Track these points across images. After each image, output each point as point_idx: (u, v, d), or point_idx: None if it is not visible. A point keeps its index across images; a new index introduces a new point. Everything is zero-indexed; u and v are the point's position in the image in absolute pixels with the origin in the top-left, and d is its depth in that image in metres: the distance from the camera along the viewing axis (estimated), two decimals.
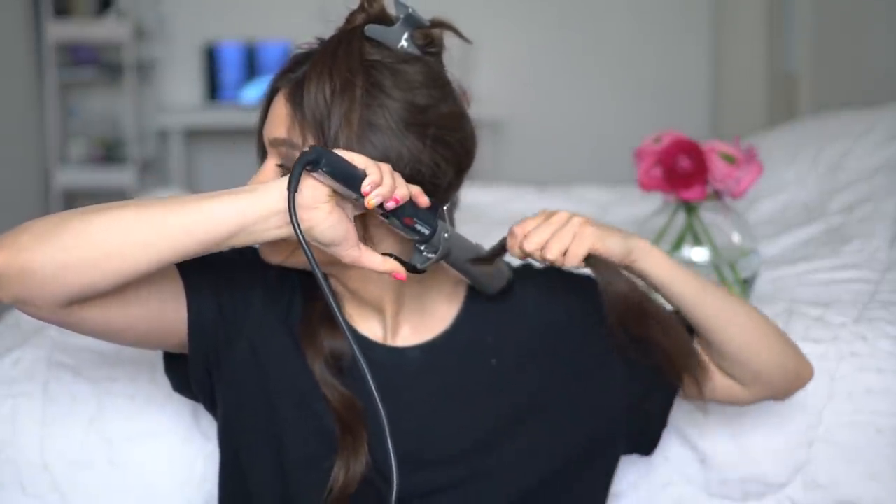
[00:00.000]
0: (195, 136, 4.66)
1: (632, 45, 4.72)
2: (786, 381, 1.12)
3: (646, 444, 1.15)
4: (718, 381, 1.11)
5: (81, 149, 4.48)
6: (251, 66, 4.59)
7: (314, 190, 0.88)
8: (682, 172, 1.49)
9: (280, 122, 0.99)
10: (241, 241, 0.90)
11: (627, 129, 3.89)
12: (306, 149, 0.87)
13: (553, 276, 1.13)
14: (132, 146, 4.47)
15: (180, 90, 4.69)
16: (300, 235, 0.86)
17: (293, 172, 0.86)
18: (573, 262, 1.00)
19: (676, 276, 1.04)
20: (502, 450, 1.05)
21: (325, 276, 1.06)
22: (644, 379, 1.10)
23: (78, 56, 4.46)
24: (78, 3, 4.41)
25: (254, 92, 4.58)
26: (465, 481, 1.04)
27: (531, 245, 0.99)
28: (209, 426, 1.24)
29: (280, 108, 0.99)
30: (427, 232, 0.96)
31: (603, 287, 1.02)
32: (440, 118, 0.99)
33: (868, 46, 3.38)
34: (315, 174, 0.87)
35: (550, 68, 4.73)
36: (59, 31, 4.27)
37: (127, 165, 4.44)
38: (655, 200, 1.70)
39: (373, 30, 0.99)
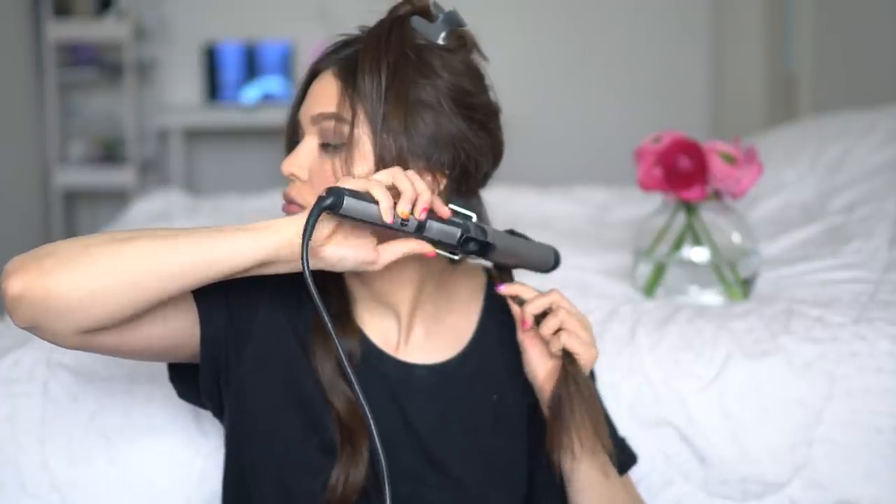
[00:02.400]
0: (195, 136, 4.66)
1: (632, 44, 4.72)
2: None
3: None
4: None
5: (81, 149, 4.48)
6: (251, 66, 4.59)
7: (317, 231, 0.90)
8: (682, 172, 1.49)
9: (328, 99, 0.99)
10: (264, 271, 0.91)
11: (627, 129, 3.89)
12: (323, 193, 0.87)
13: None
14: (132, 146, 4.47)
15: (180, 90, 4.69)
16: (308, 278, 0.86)
17: (309, 219, 0.86)
18: (556, 346, 1.02)
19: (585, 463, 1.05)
20: (495, 489, 1.05)
21: (341, 279, 1.07)
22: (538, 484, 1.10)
23: (78, 56, 4.46)
24: (78, 3, 4.41)
25: (254, 92, 4.58)
26: None
27: (568, 321, 1.02)
28: (209, 425, 1.24)
29: (327, 85, 1.00)
30: (461, 221, 0.96)
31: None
32: (483, 106, 1.03)
33: (868, 46, 3.38)
34: (338, 213, 0.88)
35: (551, 68, 4.73)
36: (59, 31, 4.27)
37: (127, 165, 4.44)
38: (655, 200, 1.70)
39: (417, 22, 1.02)
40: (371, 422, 0.87)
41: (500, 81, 1.10)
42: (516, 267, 1.08)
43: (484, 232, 0.98)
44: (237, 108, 4.56)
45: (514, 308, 1.06)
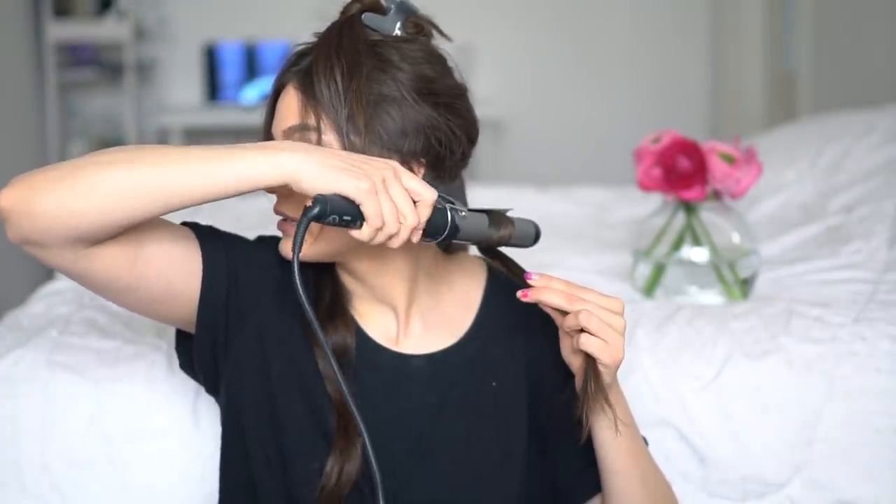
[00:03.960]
0: (195, 136, 4.65)
1: (631, 45, 4.72)
2: None
3: None
4: None
5: (81, 149, 4.48)
6: (251, 66, 4.59)
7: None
8: (682, 172, 1.49)
9: (292, 112, 1.00)
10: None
11: (627, 129, 3.90)
12: (308, 203, 0.87)
13: (548, 322, 1.10)
14: None
15: (180, 90, 4.69)
16: (297, 282, 0.87)
17: (298, 230, 0.87)
18: (575, 344, 0.97)
19: (617, 447, 1.03)
20: (493, 478, 1.05)
21: (333, 269, 1.07)
22: (560, 472, 1.09)
23: (78, 56, 4.46)
24: (78, 3, 4.41)
25: (254, 92, 4.58)
26: (456, 498, 1.04)
27: (589, 322, 0.95)
28: (208, 426, 1.24)
29: (290, 99, 1.00)
30: (437, 236, 0.96)
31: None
32: (448, 88, 1.02)
33: (868, 46, 3.38)
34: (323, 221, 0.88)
35: (550, 68, 4.73)
36: (59, 31, 4.28)
37: None
38: (655, 200, 1.70)
39: (369, 18, 1.02)
40: (362, 427, 0.88)
41: (501, 82, 1.10)
42: (499, 246, 1.06)
43: (457, 229, 0.97)
44: (237, 108, 4.56)
45: (553, 315, 1.01)
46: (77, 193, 0.86)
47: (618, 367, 0.98)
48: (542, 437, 1.09)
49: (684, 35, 4.71)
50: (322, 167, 0.88)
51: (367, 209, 0.88)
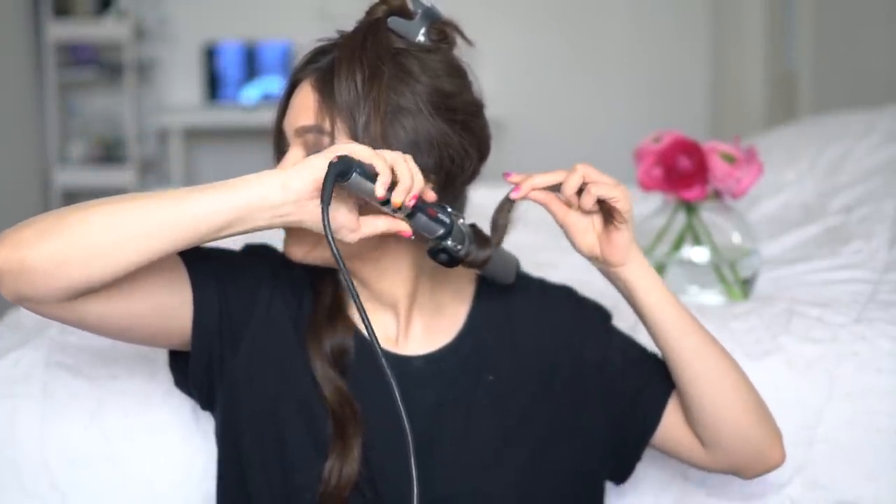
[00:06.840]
0: (195, 136, 4.66)
1: (631, 44, 4.72)
2: (748, 457, 1.09)
3: (619, 473, 1.14)
4: (685, 438, 1.10)
5: (81, 149, 4.48)
6: (251, 66, 4.60)
7: (304, 181, 0.89)
8: (682, 172, 1.49)
9: (307, 110, 0.99)
10: (235, 231, 0.90)
11: (627, 129, 3.90)
12: (334, 160, 0.87)
13: (549, 298, 1.13)
14: (132, 146, 4.47)
15: (180, 90, 4.69)
16: (331, 240, 0.87)
17: (325, 186, 0.86)
18: (587, 202, 0.99)
19: (668, 300, 1.04)
20: (493, 471, 1.05)
21: (333, 271, 1.06)
22: (620, 413, 1.10)
23: (78, 56, 4.46)
24: (78, 3, 4.42)
25: (254, 92, 4.59)
26: (458, 498, 1.04)
27: (589, 172, 0.98)
28: (208, 424, 1.23)
29: (306, 97, 1.00)
30: (448, 221, 0.96)
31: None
32: (465, 105, 1.01)
33: (868, 46, 3.39)
34: (343, 185, 0.88)
35: (550, 68, 4.74)
36: (59, 31, 4.28)
37: (127, 165, 4.44)
38: (655, 200, 1.70)
39: (395, 22, 1.01)
40: (405, 419, 0.88)
41: (501, 82, 1.09)
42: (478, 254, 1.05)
43: (463, 236, 0.97)
44: (237, 108, 4.56)
45: (543, 202, 1.01)
46: (66, 238, 0.86)
47: (631, 203, 0.99)
48: (599, 406, 1.09)
49: (684, 35, 4.71)
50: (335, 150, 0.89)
51: (377, 164, 0.89)
